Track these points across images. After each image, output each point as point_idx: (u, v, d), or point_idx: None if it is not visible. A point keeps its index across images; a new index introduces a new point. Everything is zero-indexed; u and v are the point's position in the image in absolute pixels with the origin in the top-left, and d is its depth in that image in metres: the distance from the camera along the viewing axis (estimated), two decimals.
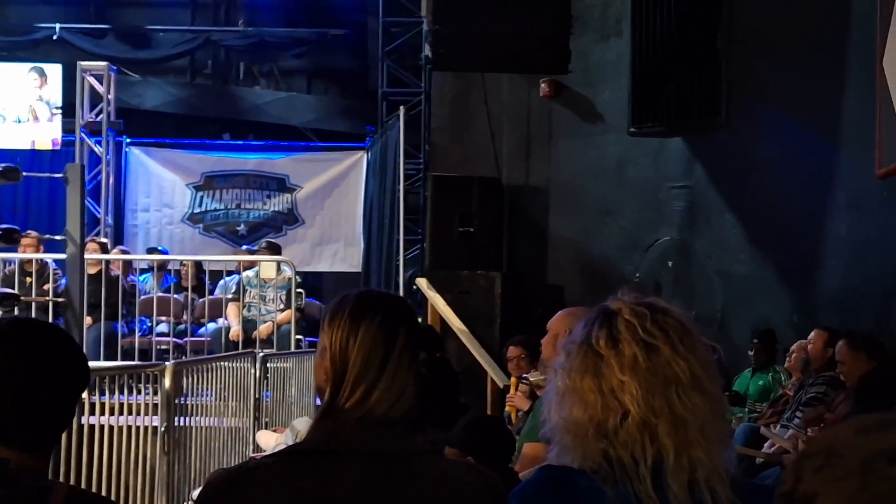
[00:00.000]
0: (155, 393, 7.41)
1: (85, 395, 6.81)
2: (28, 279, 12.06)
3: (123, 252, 14.43)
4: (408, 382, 2.63)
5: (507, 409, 8.87)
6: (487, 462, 4.70)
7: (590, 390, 2.40)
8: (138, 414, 7.38)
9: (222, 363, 9.05)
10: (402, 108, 14.92)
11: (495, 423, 5.38)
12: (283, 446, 6.96)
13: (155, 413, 7.31)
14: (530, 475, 4.75)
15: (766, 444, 8.63)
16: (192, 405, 8.07)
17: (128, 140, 17.63)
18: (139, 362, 8.07)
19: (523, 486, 2.45)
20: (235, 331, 12.63)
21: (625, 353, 2.39)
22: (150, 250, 15.45)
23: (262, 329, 12.63)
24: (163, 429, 6.99)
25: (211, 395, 8.72)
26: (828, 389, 8.68)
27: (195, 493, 7.11)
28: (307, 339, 12.83)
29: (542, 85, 13.28)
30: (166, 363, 7.25)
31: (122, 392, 7.26)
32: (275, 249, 13.95)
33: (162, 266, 14.29)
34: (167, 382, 7.07)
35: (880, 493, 1.03)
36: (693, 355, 2.43)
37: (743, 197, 11.99)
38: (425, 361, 9.80)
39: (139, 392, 7.54)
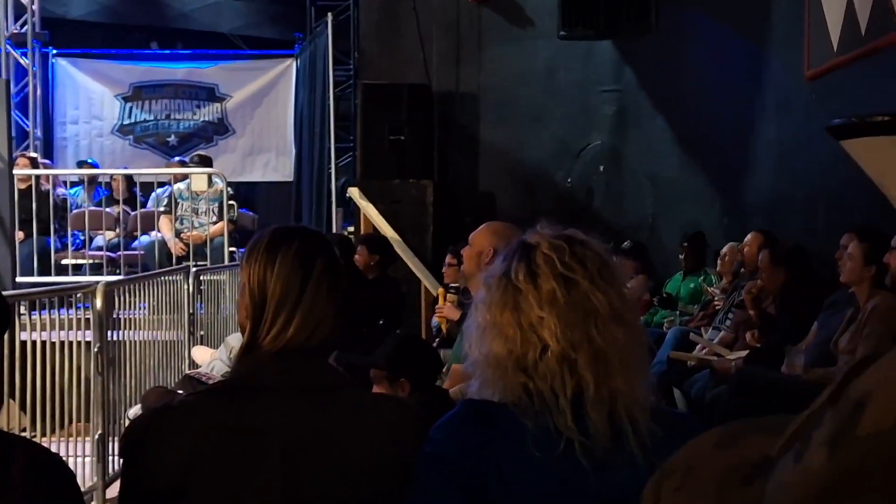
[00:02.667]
0: (87, 309, 7.39)
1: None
2: None
3: (46, 167, 14.23)
4: (326, 311, 2.65)
5: (435, 318, 8.92)
6: (414, 381, 4.73)
7: (509, 325, 2.41)
8: (71, 329, 7.36)
9: (155, 280, 8.99)
10: (329, 14, 14.80)
11: (420, 341, 5.40)
12: (217, 362, 7.03)
13: (88, 328, 7.28)
14: (459, 390, 4.81)
15: (696, 348, 8.74)
16: (125, 319, 8.04)
17: (54, 51, 17.37)
18: (69, 283, 7.97)
19: (444, 420, 2.46)
20: (179, 246, 12.56)
21: (543, 288, 2.40)
22: (81, 163, 15.24)
23: (195, 235, 12.56)
24: (96, 349, 6.96)
25: (145, 310, 8.69)
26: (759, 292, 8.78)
27: (131, 412, 7.14)
28: (240, 250, 12.80)
29: None
30: (97, 283, 7.18)
31: (53, 308, 7.23)
32: (206, 162, 13.83)
33: (93, 179, 14.14)
34: (98, 303, 7.03)
35: None
36: (612, 288, 2.45)
37: (672, 100, 12.03)
38: (375, 280, 9.84)
39: (70, 307, 7.51)
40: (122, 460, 2.68)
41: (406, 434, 2.58)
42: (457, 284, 8.53)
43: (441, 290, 9.09)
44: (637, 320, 2.59)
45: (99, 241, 13.16)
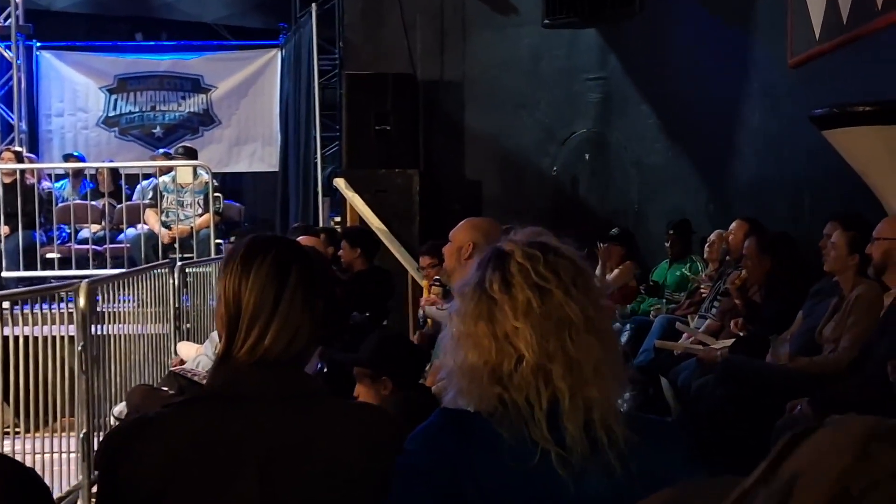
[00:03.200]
0: (72, 303, 7.37)
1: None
2: None
3: (31, 161, 14.19)
4: (302, 321, 2.65)
5: (420, 312, 8.92)
6: (396, 379, 4.72)
7: (484, 335, 2.41)
8: (54, 324, 7.33)
9: (138, 276, 8.97)
10: (314, 4, 14.78)
11: (403, 339, 5.40)
12: (203, 357, 7.01)
13: (72, 322, 7.26)
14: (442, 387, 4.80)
15: (682, 336, 8.75)
16: (110, 313, 8.03)
17: (38, 44, 17.29)
18: (54, 278, 7.91)
19: (420, 430, 2.45)
20: (164, 233, 12.55)
21: (518, 298, 2.39)
22: (67, 157, 15.22)
23: (180, 229, 12.56)
24: (80, 347, 6.93)
25: (131, 304, 8.68)
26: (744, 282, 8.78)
27: (116, 410, 7.13)
28: (226, 241, 12.80)
29: None
30: (80, 282, 7.15)
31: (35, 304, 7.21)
32: (191, 154, 13.81)
33: (78, 172, 14.10)
34: (82, 301, 7.01)
35: None
36: (586, 297, 2.44)
37: (657, 87, 12.02)
38: (361, 273, 9.84)
39: (54, 301, 7.49)
40: (97, 472, 2.66)
41: (384, 442, 2.57)
42: (440, 277, 8.52)
43: (426, 282, 9.09)
44: (610, 329, 2.58)
45: (84, 234, 13.13)
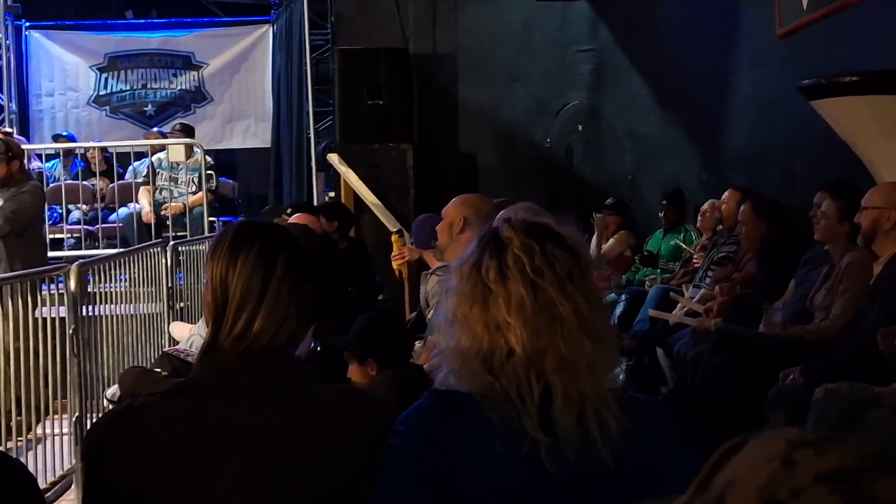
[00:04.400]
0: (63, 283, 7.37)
1: None
2: None
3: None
4: (289, 310, 2.65)
5: (395, 267, 8.90)
6: (381, 360, 4.73)
7: (477, 322, 2.39)
8: (45, 305, 7.32)
9: (131, 257, 8.96)
10: None
11: (390, 319, 5.39)
12: (197, 337, 7.01)
13: (63, 304, 7.25)
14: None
15: (677, 306, 8.76)
16: (102, 293, 8.02)
17: (27, 23, 17.19)
18: (40, 268, 7.87)
19: (409, 412, 2.44)
20: (146, 213, 12.54)
21: (512, 292, 2.37)
22: (56, 137, 15.16)
23: (173, 206, 12.56)
24: (70, 331, 6.93)
25: (123, 283, 8.68)
26: (738, 248, 8.79)
27: (109, 392, 7.12)
28: (220, 219, 12.80)
29: None
30: (70, 265, 7.15)
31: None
32: (188, 131, 13.78)
33: (69, 152, 14.07)
34: (72, 284, 7.00)
35: None
36: (580, 293, 2.41)
37: (649, 57, 12.01)
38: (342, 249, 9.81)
39: (45, 283, 7.47)
40: (83, 463, 2.66)
41: (372, 427, 2.56)
42: (401, 229, 8.50)
43: (395, 236, 9.09)
44: (605, 325, 2.54)
45: (76, 214, 13.11)
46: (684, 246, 10.24)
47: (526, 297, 2.38)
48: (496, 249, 2.44)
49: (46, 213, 12.61)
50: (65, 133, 15.33)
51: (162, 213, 12.58)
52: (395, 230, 9.08)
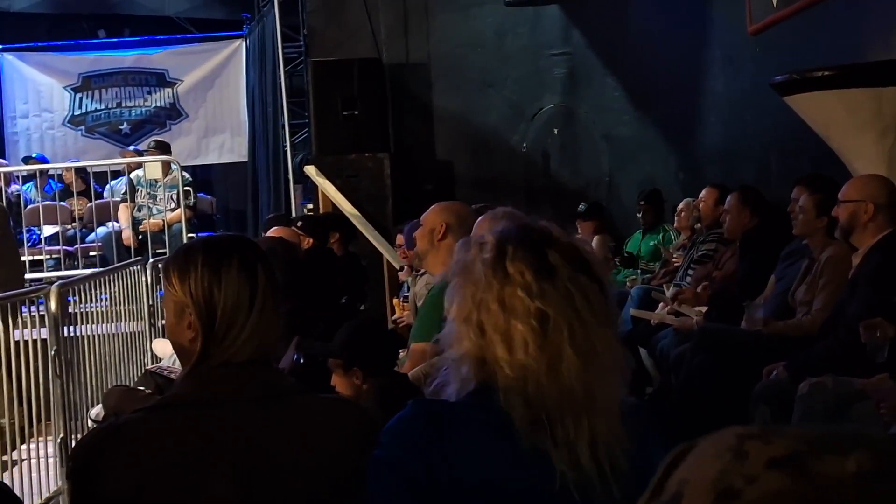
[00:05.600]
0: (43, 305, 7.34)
1: None
2: None
3: None
4: (273, 322, 2.65)
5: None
6: (365, 368, 4.72)
7: (479, 326, 2.37)
8: (26, 328, 7.28)
9: (110, 276, 8.94)
10: None
11: (374, 327, 5.39)
12: None
13: (44, 325, 7.22)
14: (419, 372, 4.80)
15: (659, 306, 8.77)
16: (83, 313, 8.00)
17: (0, 46, 17.19)
18: (19, 290, 7.81)
19: (393, 423, 2.43)
20: (127, 235, 12.52)
21: (516, 295, 2.33)
22: (26, 159, 15.09)
23: (152, 223, 12.54)
24: (52, 352, 6.91)
25: (104, 303, 8.65)
26: (718, 246, 8.81)
27: (93, 412, 7.10)
28: (199, 234, 12.77)
29: None
30: (50, 286, 7.13)
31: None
32: (163, 148, 13.76)
33: (43, 173, 14.01)
34: (53, 305, 6.98)
35: None
36: (589, 313, 2.36)
37: (621, 59, 12.06)
38: (338, 256, 9.82)
39: (24, 304, 7.44)
40: (69, 483, 2.65)
41: (358, 437, 2.57)
42: (408, 294, 8.52)
43: (396, 300, 9.16)
44: (610, 336, 2.44)
45: (51, 232, 13.06)
46: (663, 248, 10.26)
47: (530, 307, 2.32)
48: (499, 258, 2.37)
49: (25, 235, 12.61)
50: (35, 155, 15.28)
51: (140, 228, 12.55)
52: (405, 294, 9.02)
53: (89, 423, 7.15)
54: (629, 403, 2.56)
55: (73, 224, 13.16)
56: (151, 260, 9.90)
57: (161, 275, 2.76)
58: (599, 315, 2.37)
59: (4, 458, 6.96)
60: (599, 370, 2.37)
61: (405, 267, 9.23)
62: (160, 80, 17.45)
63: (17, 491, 6.19)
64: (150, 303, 9.36)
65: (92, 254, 12.69)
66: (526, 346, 2.33)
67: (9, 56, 17.35)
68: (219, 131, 17.39)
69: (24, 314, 7.33)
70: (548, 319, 2.32)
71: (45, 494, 7.09)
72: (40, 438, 7.20)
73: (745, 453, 0.96)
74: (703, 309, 7.91)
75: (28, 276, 11.68)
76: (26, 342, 7.11)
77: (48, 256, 12.66)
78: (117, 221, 12.74)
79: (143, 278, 9.36)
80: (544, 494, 2.34)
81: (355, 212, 12.02)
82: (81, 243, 12.81)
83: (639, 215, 10.85)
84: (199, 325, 2.62)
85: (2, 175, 12.97)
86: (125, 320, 8.95)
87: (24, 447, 7.03)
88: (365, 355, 4.75)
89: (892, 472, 0.94)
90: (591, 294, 2.36)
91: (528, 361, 2.32)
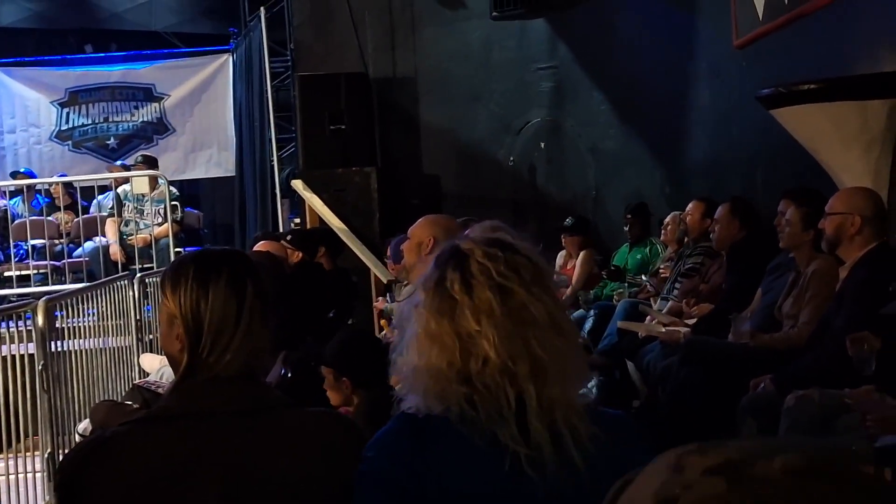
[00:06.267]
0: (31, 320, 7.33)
1: None
2: None
3: None
4: (260, 336, 2.66)
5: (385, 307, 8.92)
6: (355, 379, 4.72)
7: (447, 334, 2.40)
8: (13, 343, 7.28)
9: (98, 290, 8.93)
10: (262, 8, 14.75)
11: (369, 339, 5.39)
12: (167, 369, 6.98)
13: (31, 340, 7.22)
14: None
15: (646, 319, 8.78)
16: (70, 328, 7.99)
17: None
18: (10, 302, 7.83)
19: (378, 437, 2.44)
20: (114, 250, 12.51)
21: (480, 299, 2.39)
22: (14, 174, 15.07)
23: (139, 238, 12.53)
24: (40, 366, 6.90)
25: (92, 318, 8.65)
26: (704, 259, 8.81)
27: (81, 427, 7.10)
28: (186, 249, 12.76)
29: None
30: (38, 301, 7.12)
31: None
32: (150, 162, 13.76)
33: (30, 188, 14.00)
34: (40, 320, 6.97)
35: None
36: (547, 295, 2.44)
37: (608, 72, 12.07)
38: (327, 271, 9.83)
39: (12, 319, 7.42)
40: (56, 496, 2.65)
41: (345, 451, 2.57)
42: (385, 307, 8.53)
43: (383, 321, 9.17)
44: (572, 327, 2.60)
45: (38, 246, 13.04)
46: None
47: (494, 302, 2.40)
48: (458, 262, 2.46)
49: (12, 250, 12.60)
50: (23, 170, 15.27)
51: (128, 241, 12.54)
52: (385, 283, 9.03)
53: (77, 437, 7.15)
54: (614, 414, 2.58)
55: (61, 239, 13.13)
56: (139, 275, 9.88)
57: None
58: (549, 289, 2.48)
59: None
60: (560, 330, 2.44)
61: (379, 298, 9.23)
62: (147, 94, 17.44)
63: None
64: (138, 317, 9.36)
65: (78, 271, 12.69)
66: (492, 309, 2.40)
67: None
68: (206, 146, 17.38)
69: (11, 329, 7.33)
70: (510, 292, 2.41)
71: None
72: (28, 453, 7.19)
73: (683, 466, 1.01)
74: (691, 321, 7.94)
75: (15, 290, 11.68)
76: (13, 357, 7.11)
77: (35, 271, 12.64)
78: (104, 236, 12.72)
79: (131, 293, 9.35)
80: (533, 502, 2.35)
81: (342, 226, 12.03)
82: (69, 258, 12.79)
83: (625, 229, 10.86)
84: (185, 337, 2.63)
85: None
86: (112, 335, 8.94)
87: (11, 461, 7.01)
88: (354, 366, 4.75)
89: (820, 470, 0.98)
90: (523, 268, 2.45)
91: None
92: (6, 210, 13.08)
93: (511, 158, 13.01)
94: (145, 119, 17.43)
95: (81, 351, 8.12)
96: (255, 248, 8.33)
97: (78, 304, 8.32)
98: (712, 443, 1.04)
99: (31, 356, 7.13)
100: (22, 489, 7.11)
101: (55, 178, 14.44)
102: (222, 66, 17.34)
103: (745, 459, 0.99)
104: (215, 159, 17.39)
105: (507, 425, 2.36)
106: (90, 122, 17.44)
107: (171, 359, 2.74)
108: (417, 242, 5.44)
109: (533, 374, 2.38)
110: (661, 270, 9.78)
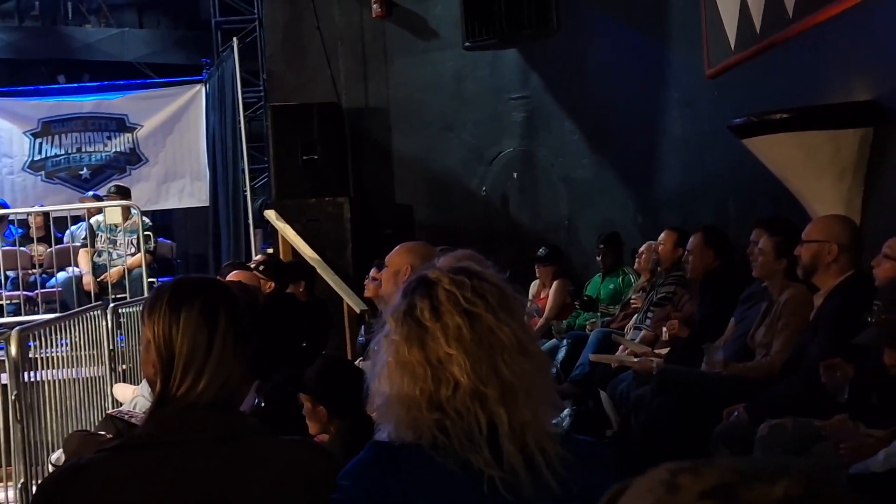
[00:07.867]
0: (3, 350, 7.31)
1: None
2: None
3: None
4: (234, 364, 2.66)
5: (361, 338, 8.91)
6: (330, 407, 4.72)
7: (418, 363, 2.41)
8: None
9: (71, 320, 8.90)
10: (235, 38, 14.77)
11: (347, 367, 5.39)
12: (140, 398, 6.97)
13: (4, 370, 7.20)
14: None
15: (619, 349, 8.80)
16: (43, 358, 7.96)
17: None
18: None
19: (351, 466, 2.45)
20: (87, 280, 12.48)
21: (449, 325, 2.41)
22: None
23: (113, 272, 12.51)
24: (13, 396, 6.87)
25: (64, 348, 8.62)
26: (676, 289, 8.85)
27: (54, 457, 7.06)
28: (159, 279, 12.73)
29: (374, 5, 13.25)
30: (11, 330, 7.10)
31: None
32: (124, 193, 13.73)
33: (3, 218, 13.94)
34: (13, 349, 6.95)
35: None
36: (514, 320, 2.46)
37: (580, 102, 12.13)
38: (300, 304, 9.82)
39: None
40: None
41: (319, 479, 2.57)
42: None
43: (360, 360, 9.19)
44: (540, 350, 2.62)
45: (14, 280, 13.00)
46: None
47: (463, 327, 2.41)
48: (426, 290, 2.48)
49: None
50: None
51: (101, 279, 12.51)
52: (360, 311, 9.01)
53: (50, 467, 7.11)
54: (586, 440, 2.60)
55: (34, 270, 13.08)
56: (112, 305, 9.85)
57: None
58: (516, 314, 2.51)
59: None
60: (528, 354, 2.46)
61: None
62: (120, 125, 17.39)
63: None
64: (111, 347, 9.32)
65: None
66: (461, 334, 2.42)
67: None
68: (179, 176, 17.34)
69: None
70: (478, 317, 2.44)
71: None
72: (1, 483, 7.15)
73: (678, 486, 1.00)
74: (663, 350, 7.96)
75: None
76: None
77: (8, 302, 12.59)
78: (77, 266, 12.69)
79: (104, 323, 9.31)
80: None
81: (315, 256, 12.02)
82: (41, 288, 12.75)
83: (598, 258, 10.89)
84: (158, 364, 2.65)
85: None
86: (86, 365, 8.90)
87: None
88: (332, 394, 4.75)
89: (818, 497, 0.98)
90: (489, 293, 2.47)
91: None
92: None
93: (484, 188, 13.05)
94: (118, 149, 17.37)
95: (55, 381, 8.09)
96: (228, 277, 8.31)
97: (51, 334, 8.29)
98: (707, 461, 1.03)
99: (3, 386, 7.10)
100: None
101: (34, 209, 14.40)
102: (195, 97, 17.32)
103: (743, 481, 0.98)
104: (188, 189, 17.35)
105: (479, 450, 2.37)
106: (63, 152, 17.38)
107: (150, 385, 2.75)
108: (395, 271, 5.43)
109: (503, 397, 2.39)
110: (632, 301, 9.81)
